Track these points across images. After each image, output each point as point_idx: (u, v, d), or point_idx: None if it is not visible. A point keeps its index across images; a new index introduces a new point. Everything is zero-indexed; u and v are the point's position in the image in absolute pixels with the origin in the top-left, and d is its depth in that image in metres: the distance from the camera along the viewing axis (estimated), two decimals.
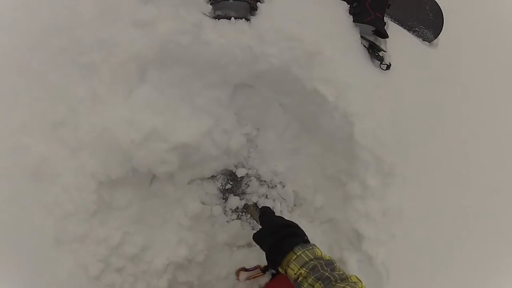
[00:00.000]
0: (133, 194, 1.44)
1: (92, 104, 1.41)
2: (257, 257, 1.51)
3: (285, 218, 1.18)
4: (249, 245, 1.56)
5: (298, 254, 0.95)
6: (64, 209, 1.35)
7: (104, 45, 1.41)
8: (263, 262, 1.11)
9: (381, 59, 1.58)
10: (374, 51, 1.58)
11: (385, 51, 1.59)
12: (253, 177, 1.63)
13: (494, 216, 1.53)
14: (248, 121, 1.61)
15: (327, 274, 0.87)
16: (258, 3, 1.51)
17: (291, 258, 0.96)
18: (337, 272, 0.88)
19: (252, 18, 1.46)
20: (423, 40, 1.71)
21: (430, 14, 1.66)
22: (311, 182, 1.61)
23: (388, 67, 1.57)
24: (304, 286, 0.87)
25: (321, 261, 0.92)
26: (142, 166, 1.37)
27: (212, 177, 1.62)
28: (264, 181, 1.63)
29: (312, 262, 0.92)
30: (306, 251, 0.95)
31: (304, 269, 0.91)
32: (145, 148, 1.36)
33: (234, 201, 1.61)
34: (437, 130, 1.54)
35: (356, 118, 1.45)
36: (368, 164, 1.49)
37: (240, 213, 1.62)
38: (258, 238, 1.12)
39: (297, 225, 1.11)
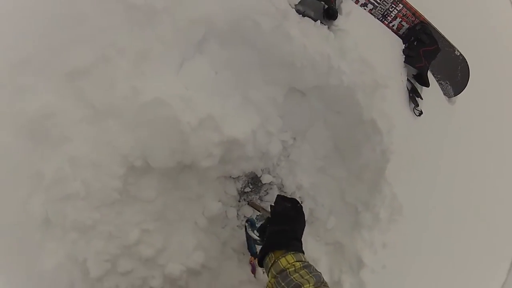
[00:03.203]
0: (160, 184, 1.20)
1: (138, 61, 1.12)
2: None
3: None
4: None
5: (298, 252, 0.99)
6: (66, 188, 1.06)
7: None
8: None
9: (417, 104, 1.67)
10: (414, 95, 1.67)
11: (422, 99, 1.69)
12: (275, 186, 1.54)
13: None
14: (288, 129, 1.51)
15: (319, 273, 0.92)
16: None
17: (291, 252, 0.98)
18: None
19: (336, 30, 1.37)
20: (444, 94, 1.88)
21: (459, 74, 1.83)
22: (328, 203, 1.61)
23: (421, 113, 1.68)
24: (293, 276, 0.89)
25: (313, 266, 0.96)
26: (187, 156, 1.15)
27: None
28: (285, 192, 1.57)
29: (307, 262, 0.97)
30: (302, 255, 0.99)
31: (300, 263, 0.94)
32: (197, 135, 1.15)
33: (249, 209, 1.50)
34: (447, 183, 1.72)
35: (393, 156, 1.51)
36: (385, 199, 1.58)
37: None
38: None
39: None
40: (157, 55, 1.13)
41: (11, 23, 1.04)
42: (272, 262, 0.98)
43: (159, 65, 1.14)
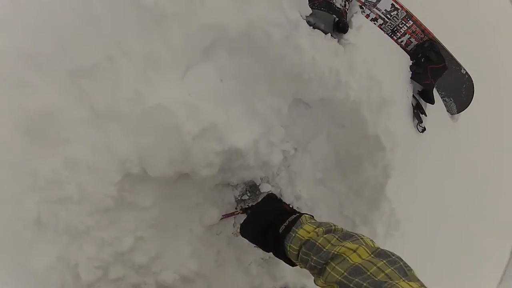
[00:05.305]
0: (156, 191, 1.18)
1: (144, 66, 1.10)
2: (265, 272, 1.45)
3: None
4: (255, 261, 1.47)
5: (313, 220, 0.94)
6: (60, 190, 1.04)
7: None
8: None
9: (420, 121, 1.67)
10: (418, 112, 1.66)
11: (426, 115, 1.68)
12: None
13: None
14: (290, 139, 1.49)
15: (339, 227, 0.87)
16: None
17: (306, 221, 0.93)
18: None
19: (346, 44, 1.36)
20: (447, 110, 1.88)
21: (463, 92, 1.83)
22: (326, 215, 1.60)
23: (424, 130, 1.68)
24: (319, 241, 0.83)
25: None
26: (187, 165, 1.13)
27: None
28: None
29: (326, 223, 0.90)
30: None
31: (321, 228, 0.88)
32: (198, 144, 1.13)
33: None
34: (446, 199, 1.72)
35: (394, 173, 1.50)
36: (383, 214, 1.58)
37: None
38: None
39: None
40: (163, 59, 1.11)
41: (20, 15, 1.01)
42: (289, 242, 0.89)
43: (165, 70, 1.12)
